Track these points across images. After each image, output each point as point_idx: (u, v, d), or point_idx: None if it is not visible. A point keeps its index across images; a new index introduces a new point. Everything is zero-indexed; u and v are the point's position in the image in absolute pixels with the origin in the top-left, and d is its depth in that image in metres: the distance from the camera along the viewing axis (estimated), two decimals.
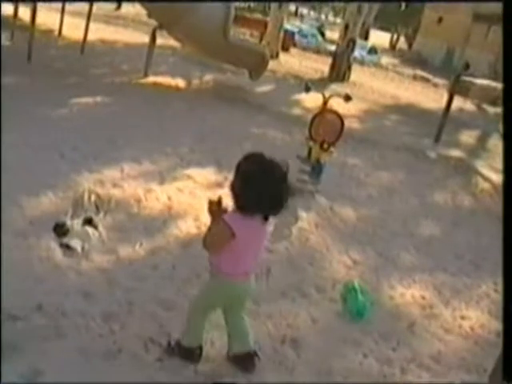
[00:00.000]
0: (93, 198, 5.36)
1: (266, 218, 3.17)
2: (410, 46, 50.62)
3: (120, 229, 4.99)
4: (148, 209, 5.51)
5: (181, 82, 12.20)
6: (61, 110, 8.45)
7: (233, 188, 3.10)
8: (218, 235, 3.13)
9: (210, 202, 3.21)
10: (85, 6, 14.84)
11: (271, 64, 14.16)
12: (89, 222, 4.91)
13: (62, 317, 3.62)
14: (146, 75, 11.75)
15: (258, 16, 32.07)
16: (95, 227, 4.85)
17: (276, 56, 20.18)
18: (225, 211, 3.17)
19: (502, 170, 4.10)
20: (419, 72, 29.39)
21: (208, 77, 13.40)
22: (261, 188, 3.01)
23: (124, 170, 6.38)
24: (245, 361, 3.45)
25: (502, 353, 2.77)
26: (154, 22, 12.25)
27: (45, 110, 8.19)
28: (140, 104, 9.66)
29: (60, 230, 4.70)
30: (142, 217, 5.32)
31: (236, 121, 9.86)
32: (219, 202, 3.20)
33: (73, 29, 15.18)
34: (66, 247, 4.50)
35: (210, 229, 3.22)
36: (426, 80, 26.61)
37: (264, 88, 13.63)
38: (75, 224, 4.82)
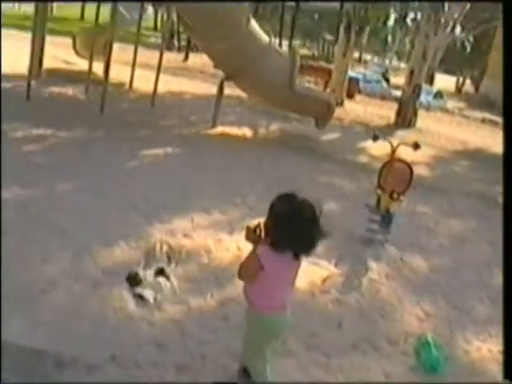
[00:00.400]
0: (164, 248, 5.48)
1: (296, 256, 3.25)
2: (476, 89, 49.88)
3: (191, 279, 5.06)
4: (218, 259, 5.57)
5: (248, 132, 12.39)
6: (132, 162, 8.71)
7: (266, 225, 3.23)
8: (249, 266, 3.27)
9: (248, 229, 3.33)
10: (154, 59, 15.37)
11: (336, 111, 14.21)
12: (161, 272, 5.01)
13: (135, 367, 3.68)
14: (214, 126, 11.99)
15: (322, 64, 32.38)
16: (167, 278, 4.94)
17: (341, 103, 20.26)
18: (263, 239, 3.26)
19: (503, 172, 4.00)
20: (487, 115, 28.87)
21: (274, 126, 13.56)
22: (291, 227, 3.13)
23: (194, 220, 6.50)
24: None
25: (503, 353, 2.67)
26: (220, 73, 12.54)
27: (117, 162, 8.48)
28: (208, 154, 9.85)
29: (133, 281, 4.80)
30: (212, 267, 5.38)
31: (303, 169, 9.90)
32: (256, 229, 3.30)
33: (143, 81, 15.70)
34: (139, 297, 4.59)
35: (246, 257, 3.33)
36: (495, 123, 26.09)
37: (330, 136, 13.67)
38: (147, 274, 4.91)
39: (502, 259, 2.80)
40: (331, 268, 5.67)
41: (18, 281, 4.55)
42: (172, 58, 27.97)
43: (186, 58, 32.22)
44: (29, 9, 19.33)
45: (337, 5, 22.51)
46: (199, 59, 27.13)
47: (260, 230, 3.27)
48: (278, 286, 3.33)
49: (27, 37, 15.78)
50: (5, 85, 13.24)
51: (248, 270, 3.28)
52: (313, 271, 5.47)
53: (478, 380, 4.24)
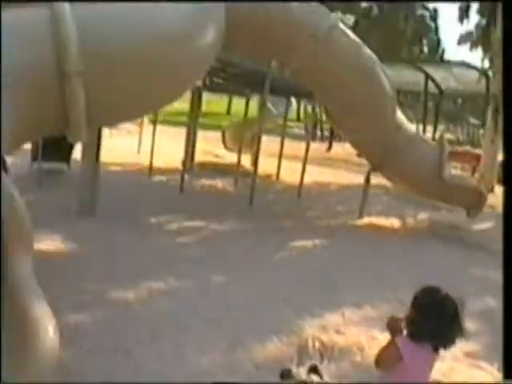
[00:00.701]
0: (317, 344, 5.42)
1: (436, 349, 3.34)
2: None
3: (344, 378, 4.97)
4: (371, 357, 5.38)
5: (395, 222, 12.19)
6: (281, 253, 8.83)
7: (408, 316, 3.39)
8: (387, 355, 3.42)
9: (392, 318, 3.54)
10: (298, 149, 15.75)
11: (488, 199, 13.69)
12: (314, 369, 4.92)
13: None
14: (360, 216, 11.94)
15: (468, 148, 31.59)
16: (320, 376, 4.85)
17: (491, 190, 19.50)
18: (401, 331, 3.43)
19: (502, 175, 3.77)
20: None
21: (422, 215, 13.24)
22: (432, 321, 3.24)
23: (345, 315, 6.41)
24: None
25: (503, 353, 2.90)
26: (364, 161, 12.57)
27: (267, 253, 8.64)
28: (356, 246, 9.76)
29: (286, 377, 4.76)
30: (365, 365, 5.22)
31: (455, 262, 9.54)
32: (399, 320, 3.47)
33: (289, 172, 16.07)
34: None
35: (384, 346, 3.51)
36: None
37: (482, 225, 13.11)
38: (301, 371, 4.85)
39: (502, 259, 2.73)
40: (494, 371, 5.32)
41: (174, 371, 4.69)
42: (315, 147, 28.44)
43: (330, 147, 32.67)
44: (180, 105, 20.74)
45: (482, 88, 22.08)
46: (342, 148, 27.39)
47: (403, 321, 3.42)
48: (414, 376, 3.37)
49: (179, 131, 16.86)
50: (161, 178, 14.14)
51: (386, 359, 3.41)
52: (474, 374, 5.17)
53: None
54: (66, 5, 5.07)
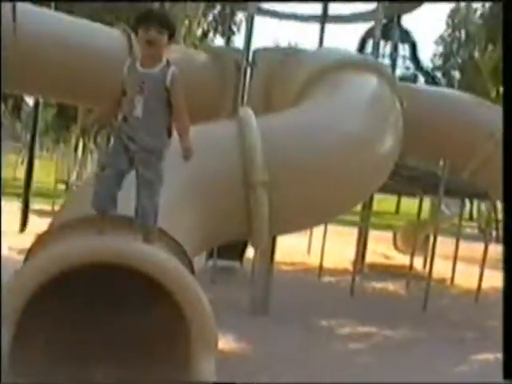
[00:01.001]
0: None
1: None
2: None
3: None
4: None
5: None
6: (460, 367, 8.27)
7: None
8: None
9: None
10: (471, 251, 15.01)
11: None
12: None
13: None
14: None
15: None
16: None
17: None
18: None
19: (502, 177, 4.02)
20: None
21: None
22: None
23: None
24: None
25: (503, 353, 2.88)
26: None
27: (444, 366, 8.13)
28: None
29: None
30: None
31: None
32: None
33: (465, 276, 15.33)
34: None
35: None
36: None
37: None
38: None
39: (502, 260, 2.27)
40: None
41: None
42: (491, 249, 26.93)
43: None
44: None
45: None
46: None
47: None
48: None
49: (350, 231, 16.80)
50: (330, 279, 14.05)
51: None
52: None
53: None
54: (252, 117, 5.33)
